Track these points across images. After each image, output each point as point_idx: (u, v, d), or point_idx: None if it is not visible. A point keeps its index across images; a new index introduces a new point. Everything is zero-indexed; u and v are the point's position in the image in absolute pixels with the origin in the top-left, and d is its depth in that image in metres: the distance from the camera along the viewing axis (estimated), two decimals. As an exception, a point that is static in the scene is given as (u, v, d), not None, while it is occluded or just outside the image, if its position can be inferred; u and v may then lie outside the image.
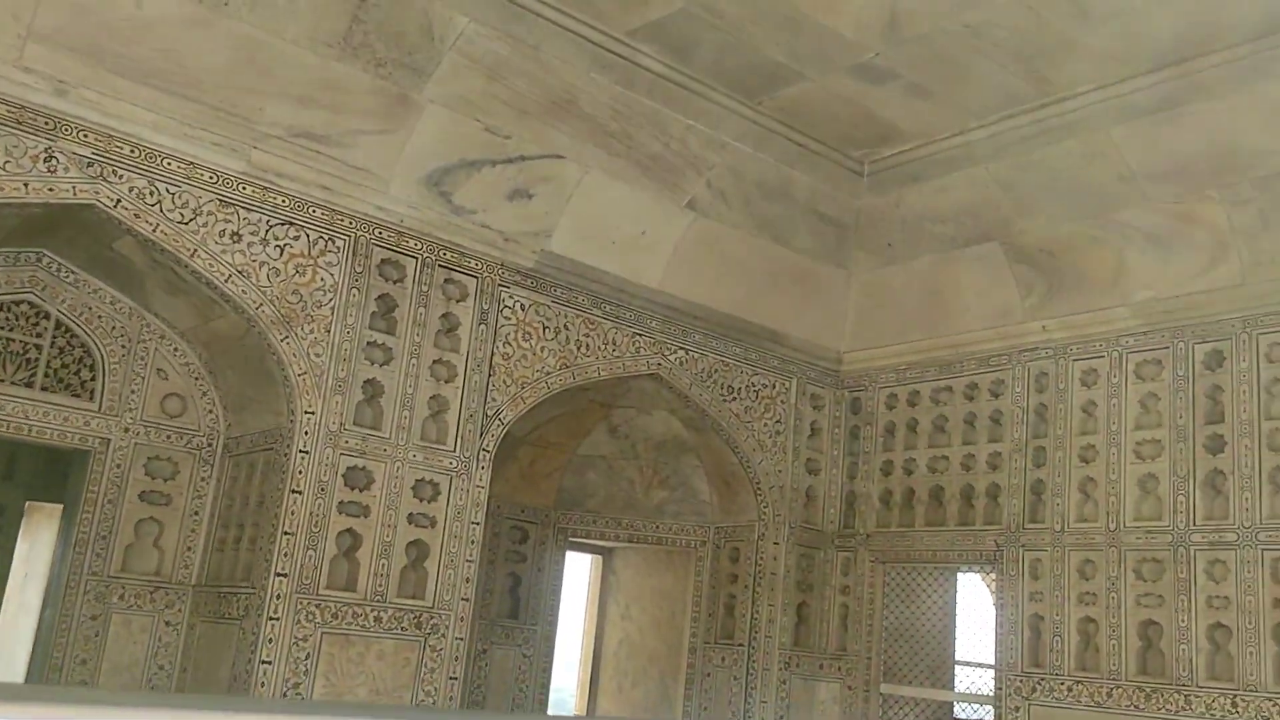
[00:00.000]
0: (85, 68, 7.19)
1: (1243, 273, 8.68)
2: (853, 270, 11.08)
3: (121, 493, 8.39)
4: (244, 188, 7.89)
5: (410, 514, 8.42)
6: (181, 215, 7.64)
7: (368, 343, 8.36)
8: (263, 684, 7.61)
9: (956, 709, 11.01)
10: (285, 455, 7.97)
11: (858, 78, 8.81)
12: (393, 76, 8.17)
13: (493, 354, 9.03)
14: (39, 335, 8.24)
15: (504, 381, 9.08)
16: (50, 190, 7.16)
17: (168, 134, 7.55)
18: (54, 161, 7.17)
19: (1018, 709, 9.39)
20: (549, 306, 9.44)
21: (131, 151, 7.46)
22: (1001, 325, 10.17)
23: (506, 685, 10.76)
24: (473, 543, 8.71)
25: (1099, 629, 8.99)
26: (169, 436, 8.60)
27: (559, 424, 10.84)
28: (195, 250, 7.67)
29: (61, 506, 8.88)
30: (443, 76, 8.32)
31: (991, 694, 9.93)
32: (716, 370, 10.62)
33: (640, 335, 10.06)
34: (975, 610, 11.39)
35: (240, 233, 7.85)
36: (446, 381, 8.76)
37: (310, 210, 8.16)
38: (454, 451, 8.71)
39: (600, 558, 12.58)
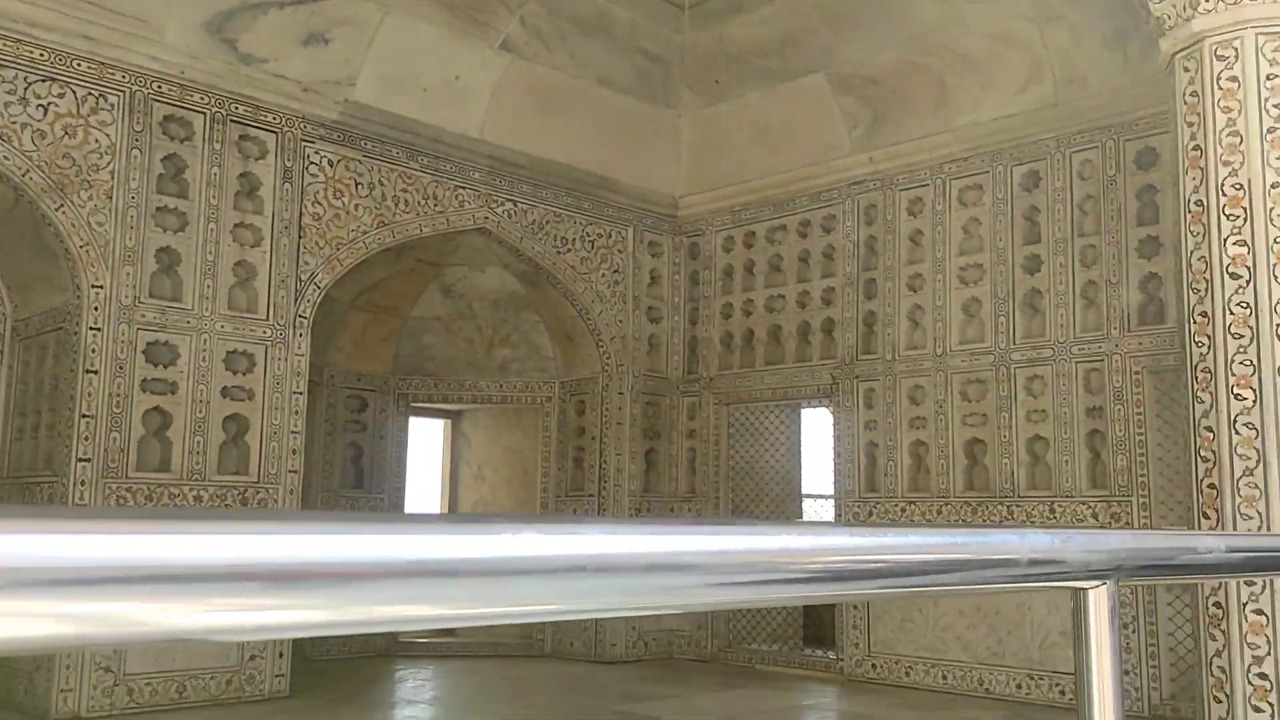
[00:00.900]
0: None
1: (1056, 92, 8.71)
2: (681, 110, 10.80)
3: (-101, 386, 7.76)
4: (-9, 41, 7.11)
5: (225, 388, 8.01)
6: (-81, 74, 6.85)
7: (157, 208, 7.77)
8: (75, 573, 7.24)
9: (804, 540, 11.32)
10: (76, 334, 7.44)
11: (667, -100, 8.35)
12: (153, -91, 7.39)
13: (301, 215, 8.53)
14: None
15: (316, 244, 8.61)
16: None
17: (-110, -19, 6.70)
18: None
19: (856, 534, 9.66)
20: (360, 161, 8.93)
21: None
22: (830, 160, 10.08)
23: (356, 555, 10.58)
24: (296, 413, 8.37)
25: (929, 450, 9.25)
26: (-53, 323, 7.94)
27: (388, 287, 10.44)
28: (-59, 113, 6.92)
29: None
30: (212, -92, 7.57)
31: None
32: (548, 222, 10.31)
33: (463, 188, 9.65)
34: (820, 444, 11.64)
35: (-7, 92, 7.11)
36: (252, 246, 8.25)
37: (74, 64, 7.42)
38: (267, 320, 8.28)
39: (449, 421, 12.38)
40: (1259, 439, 3.11)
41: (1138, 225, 8.31)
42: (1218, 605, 3.17)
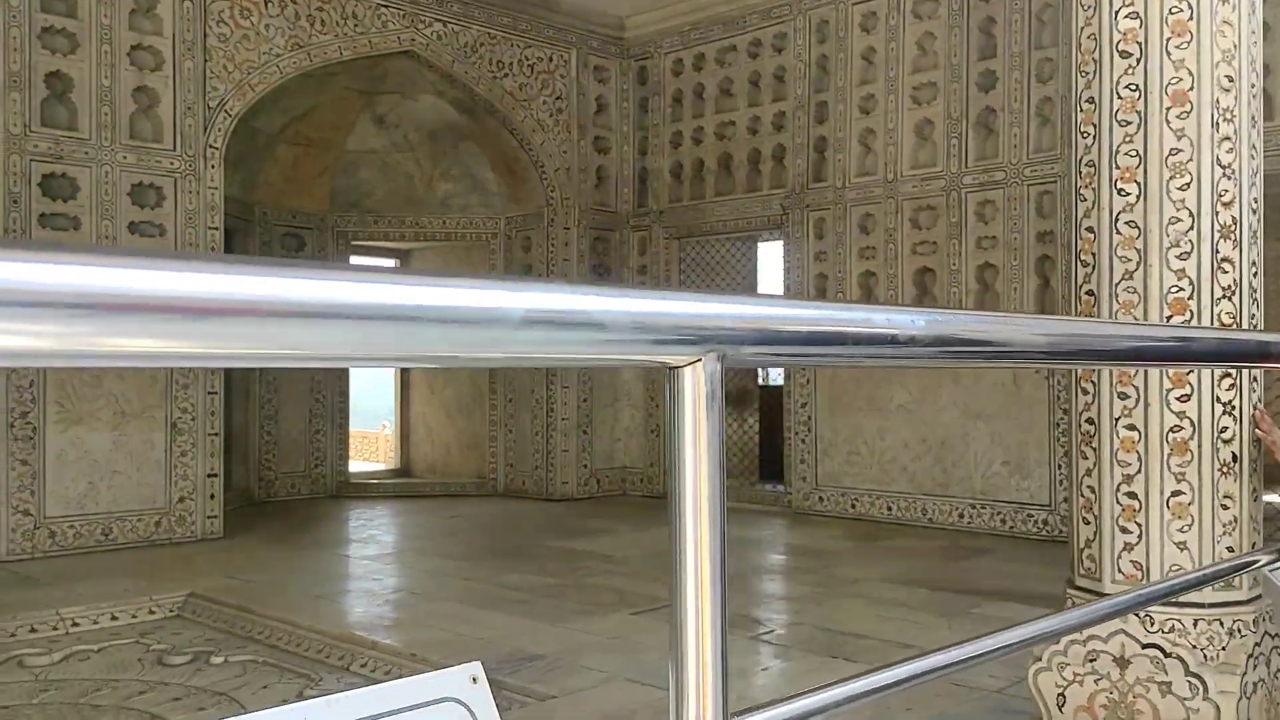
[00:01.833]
0: None
1: (1019, -112, 8.03)
2: (625, -79, 10.05)
3: None
4: None
5: (132, 223, 7.62)
6: None
7: (43, 28, 7.22)
8: (-17, 415, 7.04)
9: (759, 375, 11.15)
10: (-37, 166, 7.01)
11: None
12: None
13: (205, 36, 7.96)
14: None
15: (224, 68, 8.07)
16: None
17: None
18: None
19: (804, 367, 9.47)
20: (269, -23, 8.30)
21: None
22: (781, -29, 9.42)
23: (300, 395, 10.41)
24: (213, 248, 8.01)
25: (879, 281, 8.94)
26: None
27: (316, 118, 9.91)
28: None
29: None
30: None
31: (782, 356, 10.00)
32: (483, 44, 9.71)
33: (386, 7, 9.03)
34: (775, 280, 11.33)
35: None
36: (152, 70, 7.72)
37: None
38: (174, 151, 7.82)
39: (398, 262, 12.01)
40: (1140, 238, 2.78)
41: (1098, 36, 7.76)
42: (1090, 421, 2.90)
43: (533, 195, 10.46)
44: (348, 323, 0.53)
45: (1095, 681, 2.90)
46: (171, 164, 7.79)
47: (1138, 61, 2.82)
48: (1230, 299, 2.82)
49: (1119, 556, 2.89)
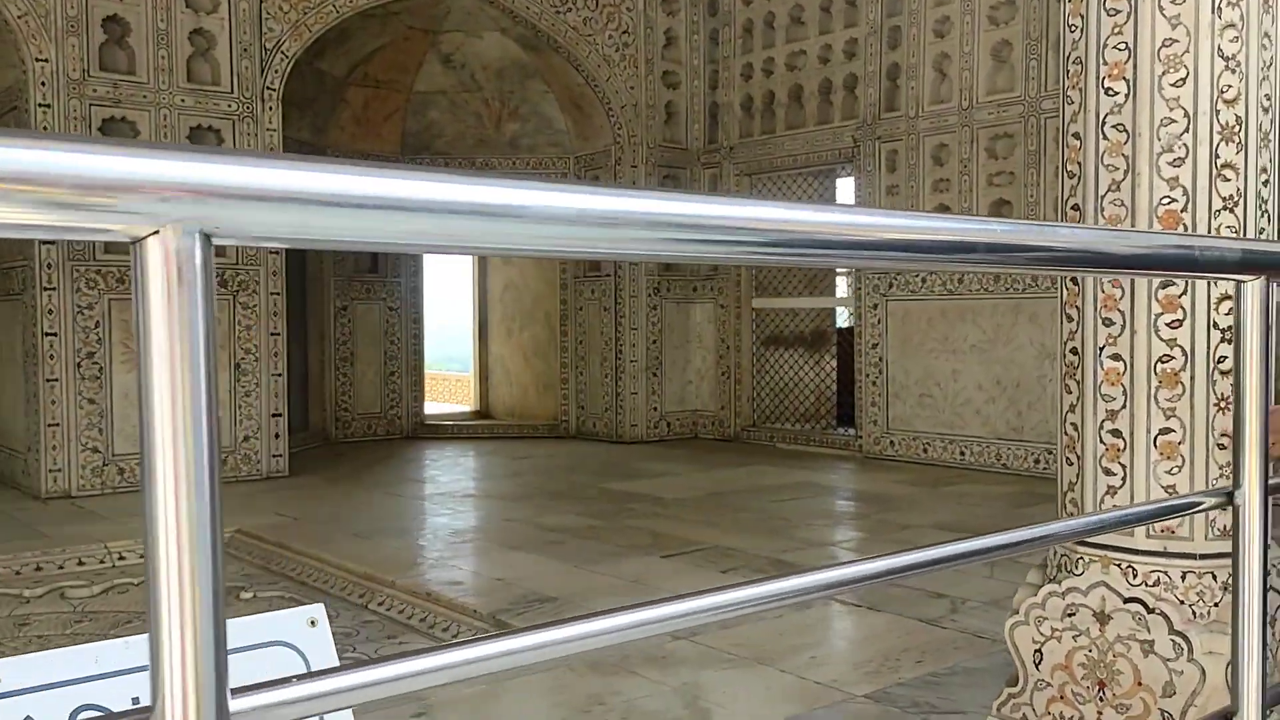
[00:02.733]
0: None
1: None
2: None
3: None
4: None
5: (191, 166, 7.71)
6: None
7: (97, -27, 7.31)
8: (52, 356, 7.27)
9: (836, 316, 10.80)
10: (26, 112, 7.18)
11: None
12: None
13: (259, -23, 7.96)
14: None
15: (280, 8, 8.07)
16: None
17: None
18: None
19: (875, 305, 9.11)
20: (322, -85, 8.24)
21: None
22: (853, -112, 8.93)
23: (374, 339, 10.53)
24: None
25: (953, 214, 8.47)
26: (-88, 108, 7.77)
27: (383, 59, 9.88)
28: None
29: None
30: None
31: (849, 296, 9.65)
32: (544, -22, 9.50)
33: (443, -57, 8.89)
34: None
35: None
36: (209, 13, 7.76)
37: None
38: (232, 94, 7.88)
39: (474, 204, 11.97)
40: (1128, 143, 2.46)
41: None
42: (1074, 351, 2.61)
43: (599, 133, 10.25)
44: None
45: (1074, 638, 2.64)
46: (229, 106, 7.84)
47: (1126, -58, 2.48)
48: (1233, 210, 2.47)
49: (1101, 501, 2.60)
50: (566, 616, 0.81)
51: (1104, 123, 2.56)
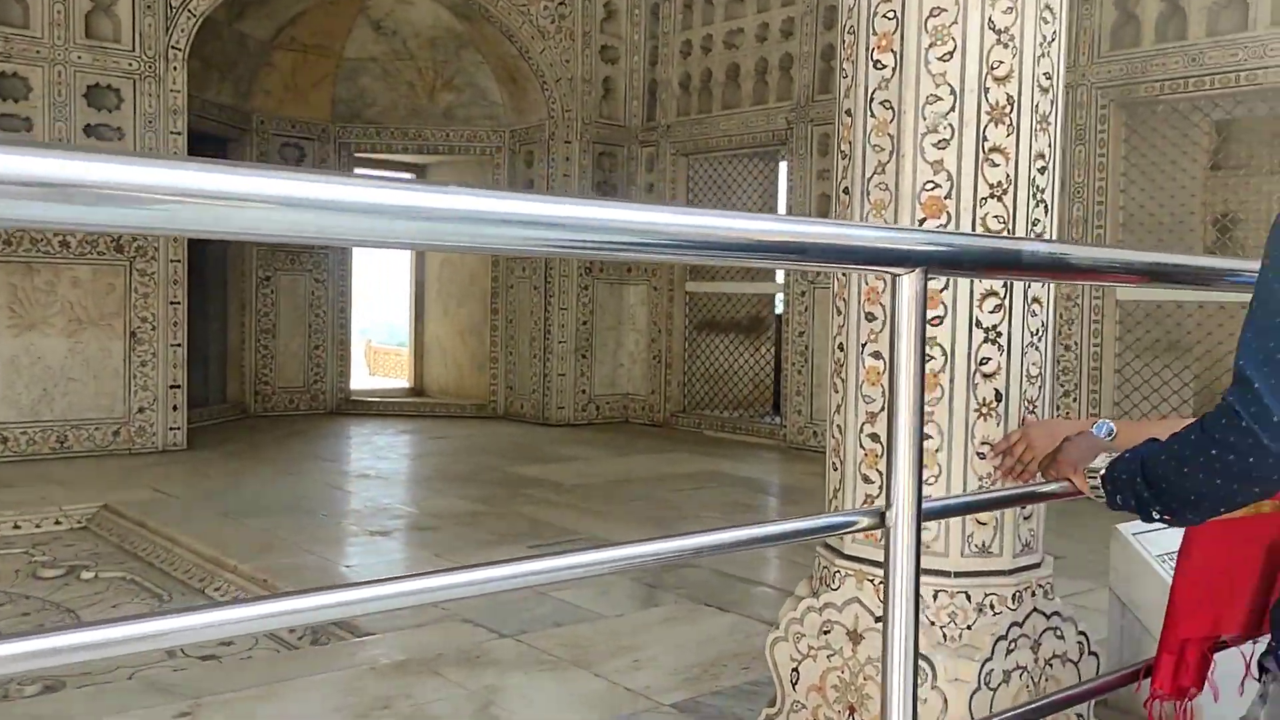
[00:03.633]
0: None
1: None
2: None
3: None
4: None
5: (88, 125, 7.45)
6: None
7: (-12, -78, 7.02)
8: (-67, 318, 7.02)
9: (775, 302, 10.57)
10: (-90, 64, 6.91)
11: None
12: None
13: (165, -69, 7.67)
14: None
15: (187, -35, 7.78)
16: None
17: None
18: None
19: (803, 292, 8.90)
20: None
21: None
22: None
23: (299, 311, 10.28)
24: (174, 154, 7.80)
25: (881, 203, 8.25)
26: None
27: (309, 23, 9.60)
28: None
29: None
30: None
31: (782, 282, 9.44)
32: (477, -55, 9.21)
33: (367, -96, 8.60)
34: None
35: None
36: (109, -32, 7.48)
37: None
38: (133, 51, 7.60)
39: (413, 176, 11.72)
40: (894, 122, 2.24)
41: (1122, -75, 6.89)
42: (841, 347, 2.40)
43: (535, 107, 9.99)
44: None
45: (829, 658, 2.43)
46: (130, 65, 7.57)
47: (899, -101, 2.24)
48: (1001, 198, 2.24)
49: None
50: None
51: (872, 98, 2.34)
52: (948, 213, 2.25)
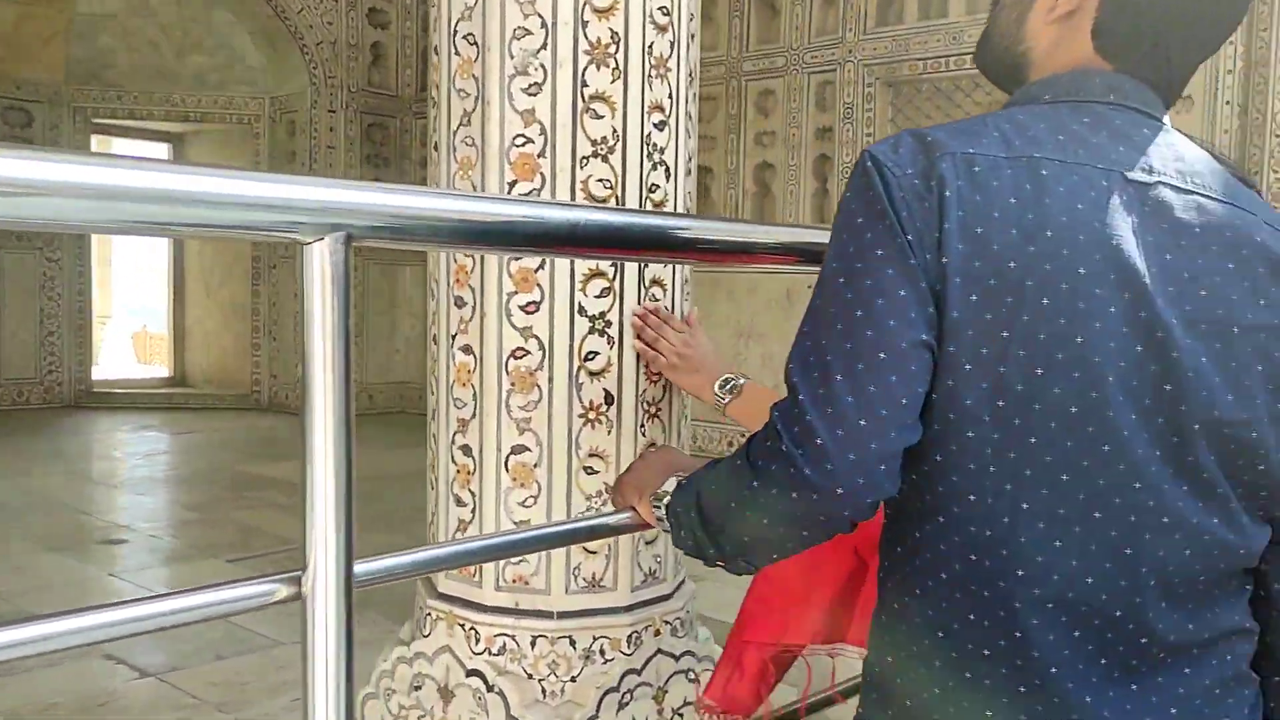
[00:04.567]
0: None
1: None
2: None
3: None
4: None
5: None
6: None
7: None
8: None
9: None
10: None
11: None
12: None
13: None
14: None
15: None
16: None
17: None
18: None
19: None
20: None
21: None
22: None
23: (28, 292, 9.22)
24: None
25: (655, 181, 7.92)
26: None
27: (29, -30, 8.56)
28: None
29: None
30: None
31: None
32: (222, -109, 8.38)
33: None
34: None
35: None
36: None
37: None
38: None
39: (170, 146, 10.74)
40: (479, 60, 1.79)
41: (885, -102, 6.72)
42: (435, 340, 1.94)
43: (295, 73, 9.23)
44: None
45: (419, 717, 2.00)
46: None
47: None
48: (606, 158, 1.84)
49: (453, 537, 1.96)
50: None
51: (456, 31, 1.90)
52: (541, 174, 1.83)
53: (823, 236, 1.20)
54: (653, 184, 1.90)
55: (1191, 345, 0.94)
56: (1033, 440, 0.93)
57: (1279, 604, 1.03)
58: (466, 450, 1.93)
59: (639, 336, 1.85)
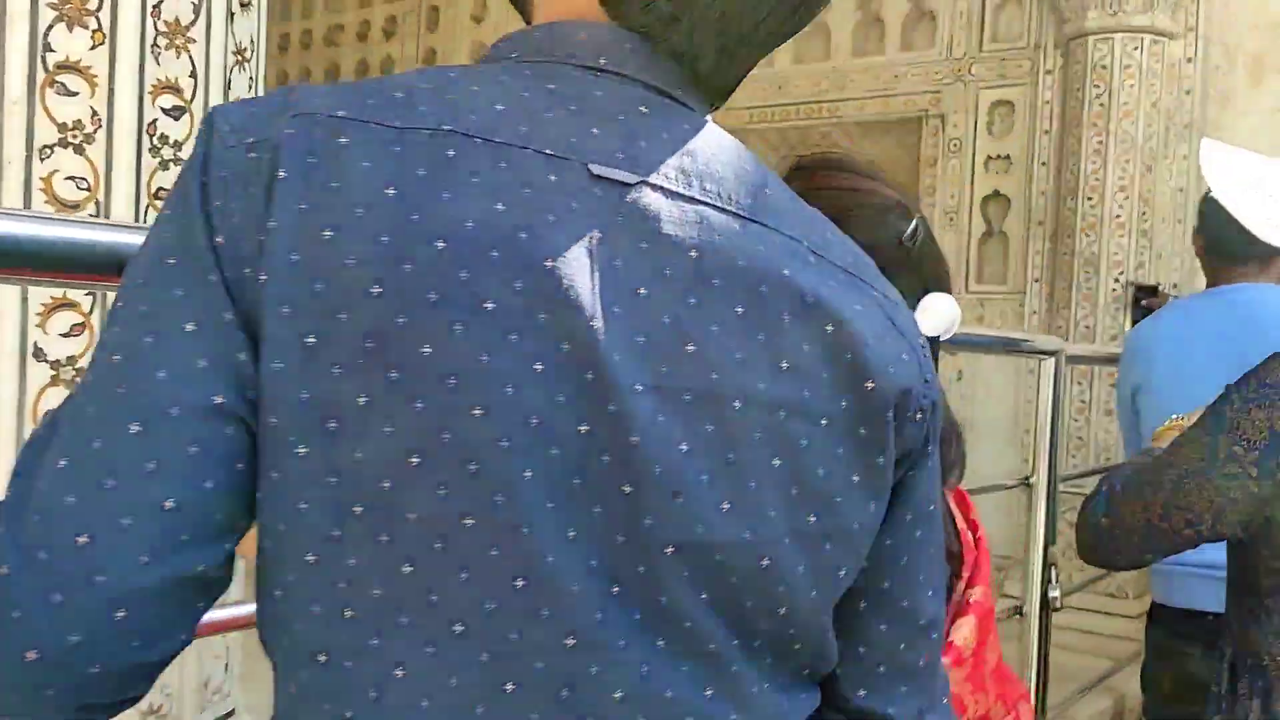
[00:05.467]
0: None
1: None
2: None
3: None
4: None
5: None
6: None
7: None
8: None
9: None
10: None
11: None
12: None
13: None
14: None
15: None
16: None
17: None
18: None
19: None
20: None
21: None
22: None
23: None
24: None
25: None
26: None
27: None
28: None
29: None
30: None
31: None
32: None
33: None
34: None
35: None
36: None
37: None
38: None
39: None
40: None
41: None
42: None
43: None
44: None
45: None
46: None
47: None
48: (82, 151, 1.37)
49: None
50: None
51: None
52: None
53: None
54: (160, 188, 1.43)
55: (665, 426, 0.59)
56: (407, 571, 0.56)
57: None
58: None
59: None
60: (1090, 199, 4.88)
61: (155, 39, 1.42)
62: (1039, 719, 2.77)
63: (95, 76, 1.37)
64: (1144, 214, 4.84)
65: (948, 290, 1.13)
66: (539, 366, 0.55)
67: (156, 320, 0.54)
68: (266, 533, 0.56)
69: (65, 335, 1.36)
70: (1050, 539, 2.85)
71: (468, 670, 0.56)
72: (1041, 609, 2.79)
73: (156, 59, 1.42)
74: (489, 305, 0.55)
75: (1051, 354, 2.78)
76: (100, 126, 1.37)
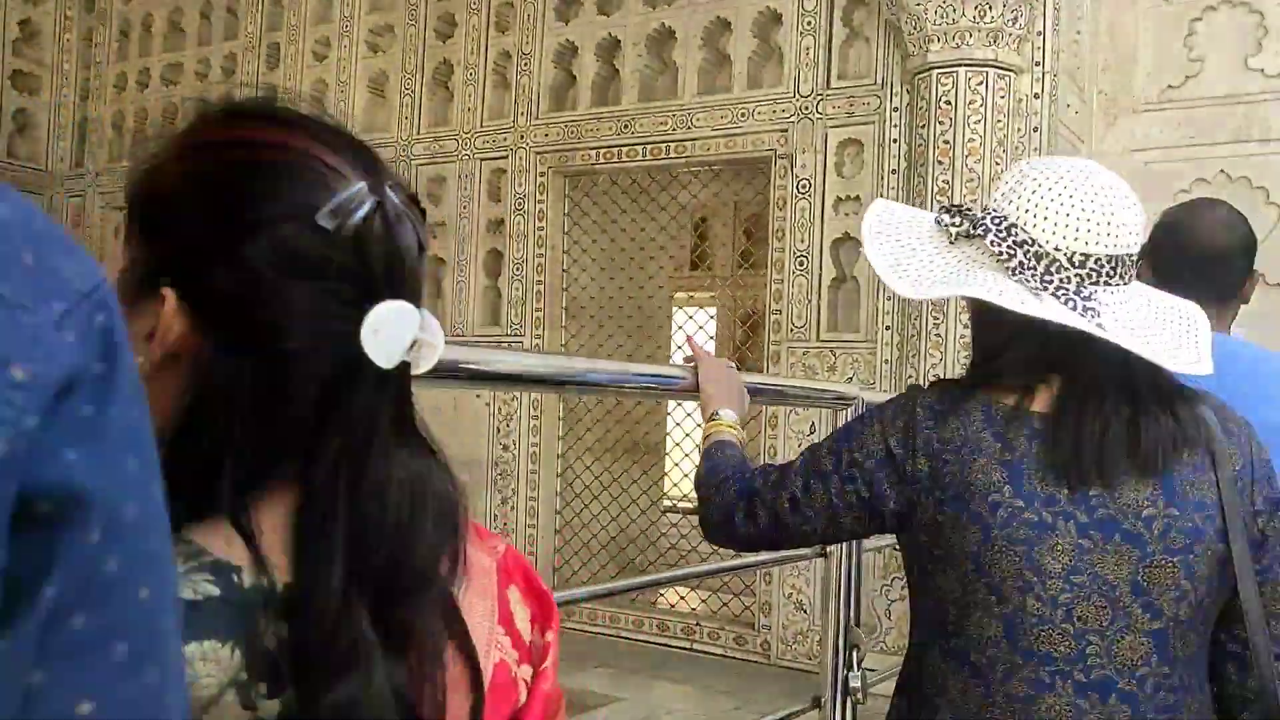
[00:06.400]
0: None
1: None
2: None
3: None
4: None
5: None
6: None
7: None
8: None
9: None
10: None
11: None
12: None
13: None
14: None
15: None
16: None
17: None
18: None
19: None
20: None
21: None
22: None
23: None
24: None
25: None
26: None
27: None
28: None
29: None
30: None
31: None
32: None
33: None
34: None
35: None
36: None
37: None
38: None
39: None
40: None
41: (558, -26, 6.19)
42: None
43: (-84, 138, 7.92)
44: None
45: None
46: None
47: None
48: None
49: None
50: None
51: None
52: None
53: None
54: None
55: None
56: None
57: None
58: None
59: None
60: (937, 240, 4.61)
61: None
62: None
63: None
64: (992, 256, 4.57)
65: (416, 296, 0.73)
66: None
67: None
68: None
69: None
70: (854, 617, 2.46)
71: None
72: (842, 699, 2.40)
73: None
74: None
75: (850, 401, 2.43)
76: None
